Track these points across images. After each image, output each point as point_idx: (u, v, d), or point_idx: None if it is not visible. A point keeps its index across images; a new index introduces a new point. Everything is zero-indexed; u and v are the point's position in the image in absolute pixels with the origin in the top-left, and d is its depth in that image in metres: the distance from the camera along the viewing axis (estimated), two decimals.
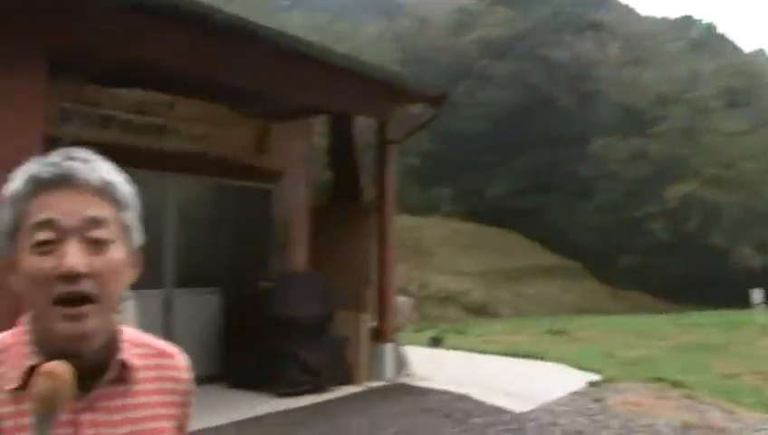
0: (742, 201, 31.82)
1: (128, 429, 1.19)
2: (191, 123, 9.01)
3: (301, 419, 7.66)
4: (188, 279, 9.18)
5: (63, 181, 1.13)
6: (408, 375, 9.88)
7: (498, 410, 8.20)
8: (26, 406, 1.08)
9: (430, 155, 31.11)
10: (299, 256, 10.54)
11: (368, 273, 9.90)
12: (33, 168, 1.15)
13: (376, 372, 9.55)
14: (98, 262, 1.12)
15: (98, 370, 1.16)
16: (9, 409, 1.11)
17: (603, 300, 25.99)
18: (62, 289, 1.09)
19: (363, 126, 11.48)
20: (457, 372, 10.23)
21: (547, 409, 8.39)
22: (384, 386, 9.38)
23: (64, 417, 1.11)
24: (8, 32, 5.63)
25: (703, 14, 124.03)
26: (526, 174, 30.95)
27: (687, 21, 48.98)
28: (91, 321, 1.11)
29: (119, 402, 1.19)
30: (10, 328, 1.21)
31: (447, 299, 21.43)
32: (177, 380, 1.31)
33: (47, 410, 1.03)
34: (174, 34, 6.75)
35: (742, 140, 33.62)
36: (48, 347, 1.13)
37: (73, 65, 7.17)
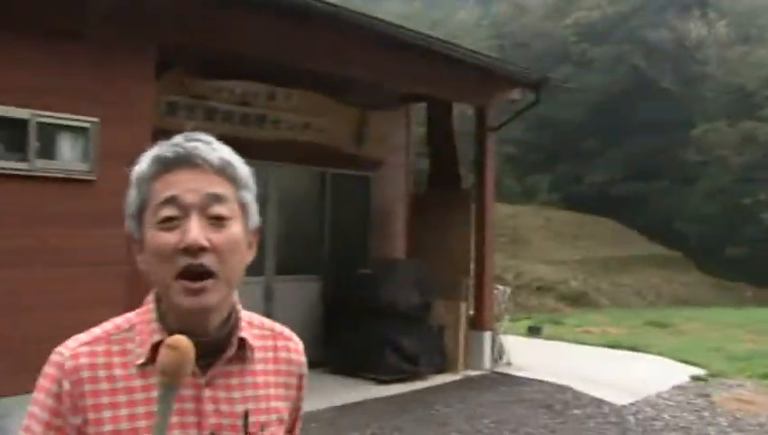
0: None
1: (245, 407, 1.22)
2: (291, 113, 9.16)
3: (399, 405, 7.72)
4: (289, 267, 9.36)
5: (186, 161, 1.17)
6: (506, 364, 9.81)
7: (598, 402, 8.04)
8: (153, 380, 1.13)
9: (527, 143, 30.53)
10: (398, 244, 10.61)
11: (466, 261, 9.86)
12: (157, 149, 1.20)
13: (474, 361, 9.52)
14: (218, 237, 1.16)
15: (218, 347, 1.20)
16: (138, 382, 1.17)
17: (705, 291, 24.96)
18: (185, 262, 1.13)
19: (460, 113, 11.40)
20: (555, 363, 10.08)
21: (649, 402, 8.17)
22: (482, 375, 9.35)
23: (187, 391, 1.16)
24: (123, 32, 5.86)
25: None
26: (627, 161, 29.95)
27: None
28: (211, 295, 1.15)
29: (237, 380, 1.22)
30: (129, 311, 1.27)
31: (544, 288, 21.04)
32: (292, 362, 1.34)
33: (171, 381, 1.07)
34: (274, 25, 6.88)
35: None
36: (172, 323, 1.18)
37: (179, 59, 7.42)
